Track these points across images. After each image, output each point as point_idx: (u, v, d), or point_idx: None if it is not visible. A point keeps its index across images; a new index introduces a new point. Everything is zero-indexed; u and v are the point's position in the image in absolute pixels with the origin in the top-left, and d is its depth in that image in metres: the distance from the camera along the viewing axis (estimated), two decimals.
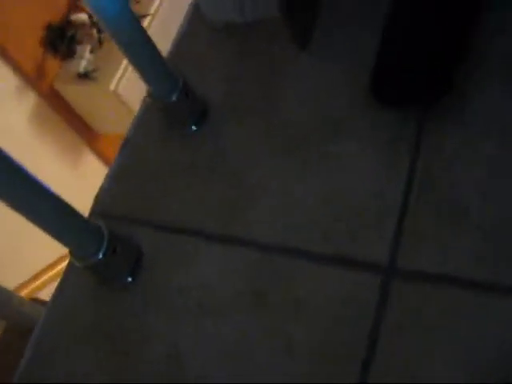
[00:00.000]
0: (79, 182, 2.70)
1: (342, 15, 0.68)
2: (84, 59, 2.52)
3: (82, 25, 2.62)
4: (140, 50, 0.59)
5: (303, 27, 0.68)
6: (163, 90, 0.64)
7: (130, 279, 0.60)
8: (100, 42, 2.62)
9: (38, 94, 2.53)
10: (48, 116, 2.59)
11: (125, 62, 2.55)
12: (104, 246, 0.57)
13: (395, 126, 0.59)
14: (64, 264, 1.88)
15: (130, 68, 2.55)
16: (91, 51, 2.58)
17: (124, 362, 0.55)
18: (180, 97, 0.64)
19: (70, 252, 0.58)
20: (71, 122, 2.67)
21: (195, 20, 0.76)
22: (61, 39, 2.53)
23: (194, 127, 0.67)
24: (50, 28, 2.53)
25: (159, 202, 0.64)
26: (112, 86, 2.50)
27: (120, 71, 2.54)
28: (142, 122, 0.71)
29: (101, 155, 2.85)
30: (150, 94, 0.65)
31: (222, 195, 0.62)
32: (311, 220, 0.57)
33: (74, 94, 2.59)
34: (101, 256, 0.57)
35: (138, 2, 2.74)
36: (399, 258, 0.52)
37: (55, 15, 2.58)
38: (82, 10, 2.63)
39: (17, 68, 2.46)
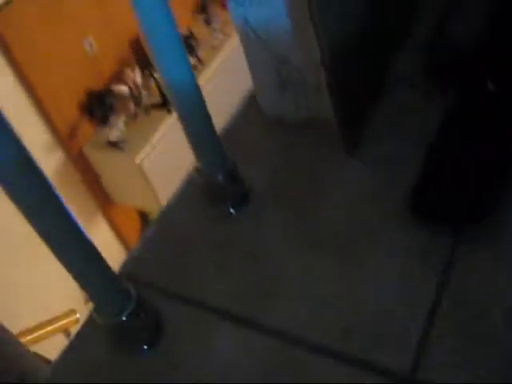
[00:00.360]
0: None
1: (393, 128, 0.72)
2: (117, 129, 2.60)
3: (122, 96, 2.71)
4: (198, 123, 0.62)
5: (353, 133, 0.71)
6: (211, 167, 0.67)
7: (147, 346, 0.61)
8: (135, 115, 2.70)
9: (65, 153, 2.59)
10: (70, 176, 2.64)
11: (155, 138, 2.62)
12: (130, 307, 0.58)
13: (430, 240, 0.60)
14: (63, 322, 1.84)
15: (159, 146, 2.62)
16: (125, 123, 2.66)
17: None
18: (226, 176, 0.67)
19: (94, 308, 0.59)
20: (91, 185, 2.72)
21: (250, 108, 0.80)
22: (98, 106, 2.62)
23: (233, 209, 0.69)
24: (90, 94, 2.62)
25: (187, 276, 0.65)
26: (138, 160, 2.56)
27: (148, 147, 2.60)
28: (183, 194, 0.74)
29: (113, 224, 2.88)
30: (196, 169, 0.68)
31: (250, 278, 0.63)
32: (335, 318, 0.58)
33: (101, 160, 2.65)
34: (124, 317, 0.58)
35: None
36: (420, 369, 0.52)
37: (97, 82, 2.68)
38: (124, 82, 2.73)
39: (50, 125, 2.53)
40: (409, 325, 0.55)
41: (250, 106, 0.80)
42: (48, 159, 2.53)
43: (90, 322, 0.64)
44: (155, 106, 2.75)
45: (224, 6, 3.28)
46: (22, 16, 2.32)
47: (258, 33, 0.74)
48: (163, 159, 2.58)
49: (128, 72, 2.70)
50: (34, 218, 0.48)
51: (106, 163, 2.66)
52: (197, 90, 0.60)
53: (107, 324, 0.59)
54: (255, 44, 0.75)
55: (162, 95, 2.73)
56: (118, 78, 2.75)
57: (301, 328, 0.58)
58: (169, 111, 2.71)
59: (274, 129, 0.77)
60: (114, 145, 2.56)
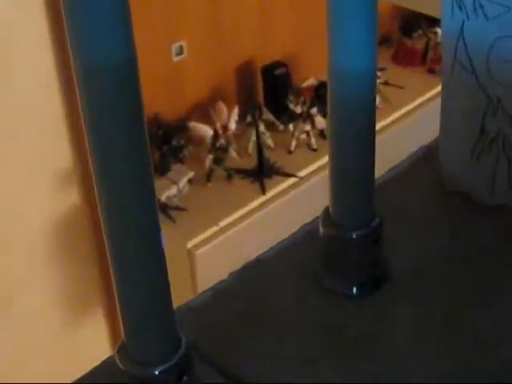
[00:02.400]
0: None
1: None
2: (175, 187, 2.68)
3: (199, 140, 2.81)
4: (357, 143, 0.71)
5: None
6: (349, 216, 0.74)
7: None
8: (209, 176, 2.79)
9: (83, 194, 2.75)
10: (80, 228, 2.79)
11: (226, 221, 2.70)
12: (173, 360, 0.65)
13: None
14: None
15: (228, 235, 2.70)
16: (191, 182, 2.74)
17: None
18: (364, 237, 0.74)
19: (121, 347, 0.66)
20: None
21: (423, 163, 0.90)
22: (160, 144, 2.72)
23: (357, 289, 0.76)
24: (154, 122, 2.74)
25: (259, 358, 0.72)
26: (190, 244, 2.64)
27: (212, 231, 2.69)
28: (288, 249, 0.82)
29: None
30: (326, 214, 0.76)
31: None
32: None
33: None
34: (157, 372, 0.65)
35: (290, 152, 2.96)
36: None
37: (172, 107, 2.82)
38: (210, 121, 2.83)
39: (79, 151, 2.71)
40: None
41: (425, 161, 0.90)
42: (61, 195, 2.68)
43: (102, 368, 0.71)
44: (243, 173, 2.83)
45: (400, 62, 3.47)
46: None
47: (473, 59, 0.82)
48: (225, 255, 2.63)
49: (221, 107, 2.81)
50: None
51: None
52: (373, 98, 0.70)
53: (132, 376, 0.66)
54: (462, 77, 0.83)
55: (260, 160, 2.82)
56: (203, 112, 2.87)
57: None
58: (262, 189, 2.78)
59: (446, 197, 0.87)
60: (163, 209, 2.63)
